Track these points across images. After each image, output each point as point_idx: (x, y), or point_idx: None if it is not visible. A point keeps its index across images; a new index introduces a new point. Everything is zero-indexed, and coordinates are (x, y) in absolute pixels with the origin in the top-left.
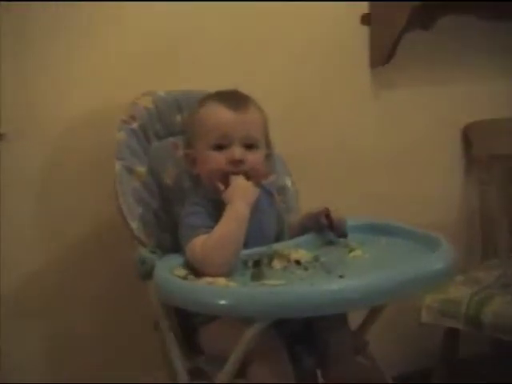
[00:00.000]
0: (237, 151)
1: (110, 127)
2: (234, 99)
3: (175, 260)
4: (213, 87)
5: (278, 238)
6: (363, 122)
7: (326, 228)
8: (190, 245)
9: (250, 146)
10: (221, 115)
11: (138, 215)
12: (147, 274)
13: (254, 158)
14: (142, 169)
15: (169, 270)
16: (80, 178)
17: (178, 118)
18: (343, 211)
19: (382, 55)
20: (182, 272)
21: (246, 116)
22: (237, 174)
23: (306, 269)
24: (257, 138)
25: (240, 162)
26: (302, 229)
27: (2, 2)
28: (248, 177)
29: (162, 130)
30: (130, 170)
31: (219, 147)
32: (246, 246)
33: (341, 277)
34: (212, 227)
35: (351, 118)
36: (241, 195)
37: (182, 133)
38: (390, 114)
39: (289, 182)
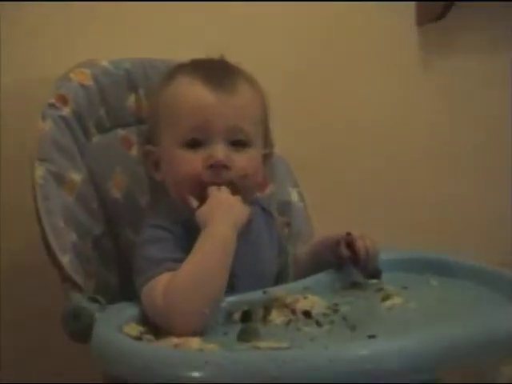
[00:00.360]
0: (219, 151)
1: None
2: (217, 73)
3: (125, 311)
4: (186, 56)
5: (279, 278)
6: (405, 101)
7: (348, 263)
8: (146, 288)
9: (238, 144)
10: (196, 96)
11: (71, 245)
12: (83, 334)
13: (244, 161)
14: (76, 176)
15: (116, 328)
16: None
17: (131, 99)
18: (376, 238)
19: (434, 8)
20: (135, 329)
21: (233, 98)
22: (218, 184)
23: (319, 324)
24: (249, 132)
25: (223, 166)
26: (314, 263)
27: None
28: (235, 189)
29: (106, 119)
30: (59, 178)
31: (194, 144)
32: (230, 289)
33: (371, 337)
34: (181, 261)
35: (387, 96)
36: (223, 214)
37: (139, 121)
38: (444, 88)
39: (295, 196)
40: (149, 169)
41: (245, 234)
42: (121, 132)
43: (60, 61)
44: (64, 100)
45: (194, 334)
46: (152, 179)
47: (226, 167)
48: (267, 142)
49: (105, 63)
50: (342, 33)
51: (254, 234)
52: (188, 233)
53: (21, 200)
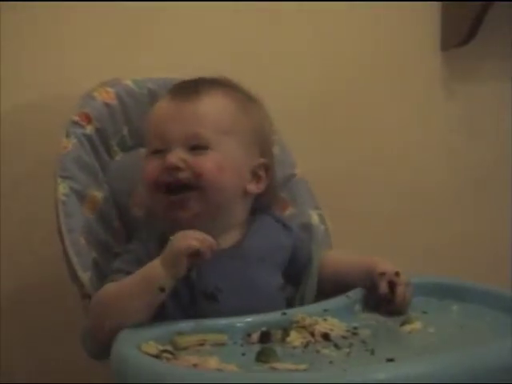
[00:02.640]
0: (172, 155)
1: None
2: (189, 87)
3: (144, 329)
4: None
5: (296, 289)
6: (428, 127)
7: (381, 298)
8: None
9: (197, 148)
10: (158, 108)
11: (92, 263)
12: (102, 351)
13: (200, 162)
14: (98, 194)
15: (135, 346)
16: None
17: None
18: (398, 263)
19: (459, 33)
20: (154, 348)
21: (192, 106)
22: (173, 184)
23: (337, 347)
24: (209, 138)
25: (175, 168)
26: (343, 281)
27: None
28: (197, 189)
29: (129, 138)
30: (81, 196)
31: (156, 152)
32: (213, 300)
33: (390, 360)
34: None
35: (410, 121)
36: (166, 253)
37: None
38: (468, 114)
39: (315, 218)
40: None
41: (233, 249)
42: (143, 151)
43: (84, 78)
44: (88, 118)
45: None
46: None
47: (177, 168)
48: (266, 153)
49: (129, 82)
50: (366, 56)
51: (244, 250)
52: (161, 245)
53: (42, 215)
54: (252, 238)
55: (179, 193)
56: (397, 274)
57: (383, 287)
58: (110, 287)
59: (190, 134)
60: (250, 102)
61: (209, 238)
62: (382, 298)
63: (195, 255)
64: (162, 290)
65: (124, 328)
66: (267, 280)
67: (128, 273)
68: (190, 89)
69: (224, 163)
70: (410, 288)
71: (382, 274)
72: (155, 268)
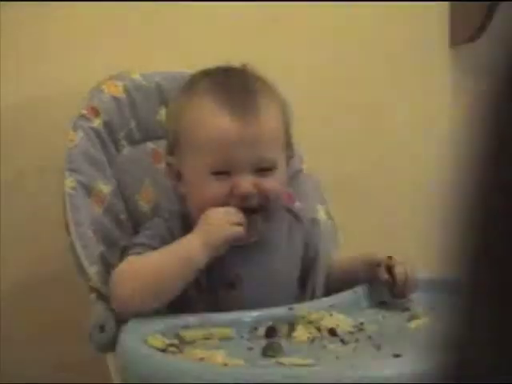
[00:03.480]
0: (245, 183)
1: (63, 122)
2: (240, 93)
3: (151, 323)
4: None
5: (306, 283)
6: (437, 124)
7: (384, 286)
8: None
9: (263, 170)
10: (221, 128)
11: (99, 256)
12: (108, 344)
13: (269, 186)
14: (105, 187)
15: (141, 339)
16: (10, 194)
17: (162, 113)
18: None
19: (468, 29)
20: (161, 341)
21: (258, 126)
22: (247, 209)
23: (344, 342)
24: (274, 158)
25: (250, 196)
26: (344, 278)
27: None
28: (263, 211)
29: (137, 131)
30: (89, 189)
31: (218, 173)
32: (231, 288)
33: (396, 356)
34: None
35: (418, 118)
36: (205, 229)
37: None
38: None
39: (322, 213)
40: (171, 179)
41: (261, 241)
42: (150, 145)
43: (92, 72)
44: (95, 112)
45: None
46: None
47: (251, 196)
48: (289, 145)
49: (137, 76)
50: (374, 53)
51: (267, 241)
52: (187, 231)
53: (48, 209)
54: (270, 231)
55: (247, 215)
56: (389, 257)
57: (382, 273)
58: (139, 261)
59: (257, 159)
60: (283, 101)
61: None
62: (386, 285)
63: (237, 239)
64: (199, 269)
65: (157, 305)
66: (285, 270)
67: (152, 247)
68: (247, 104)
69: (284, 179)
70: (408, 266)
71: (378, 264)
72: (195, 248)
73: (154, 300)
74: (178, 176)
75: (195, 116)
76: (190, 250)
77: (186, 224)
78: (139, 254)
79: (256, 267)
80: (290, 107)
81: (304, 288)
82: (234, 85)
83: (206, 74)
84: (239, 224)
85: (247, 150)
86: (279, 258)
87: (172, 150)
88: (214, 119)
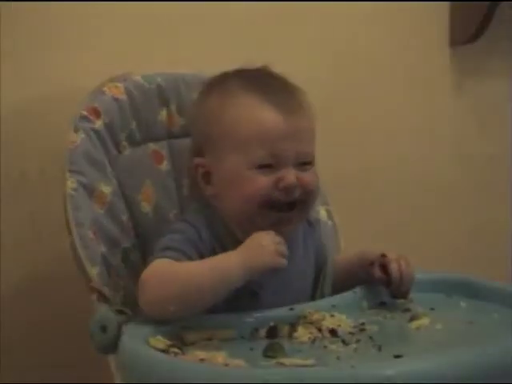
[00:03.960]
0: (291, 176)
1: (62, 124)
2: (278, 90)
3: (152, 324)
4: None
5: (315, 289)
6: (437, 124)
7: (380, 284)
8: (149, 266)
9: (305, 164)
10: (266, 122)
11: (100, 257)
12: (110, 346)
13: (309, 178)
14: (106, 188)
15: (142, 340)
16: (12, 195)
17: (163, 114)
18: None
19: (468, 30)
20: (162, 342)
21: (299, 121)
22: (281, 203)
23: (345, 343)
24: (312, 153)
25: (294, 188)
26: (345, 278)
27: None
28: (300, 206)
29: (138, 133)
30: (90, 190)
31: (264, 167)
32: (254, 299)
33: (397, 356)
34: (189, 257)
35: (419, 117)
36: (246, 253)
37: (170, 136)
38: (476, 111)
39: (323, 214)
40: (200, 181)
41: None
42: (152, 146)
43: (94, 73)
44: (97, 113)
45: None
46: (185, 191)
47: (295, 188)
48: None
49: (138, 77)
50: (375, 53)
51: (294, 246)
52: (215, 237)
53: (50, 210)
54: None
55: (289, 210)
56: (382, 255)
57: (377, 273)
58: (177, 267)
59: (302, 153)
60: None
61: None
62: (382, 284)
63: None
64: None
65: (187, 314)
66: (301, 277)
67: (183, 252)
68: (291, 101)
69: (317, 175)
70: (403, 262)
71: (371, 262)
72: (234, 267)
73: (182, 309)
74: (205, 177)
75: (234, 112)
76: (228, 268)
77: (214, 227)
78: (173, 258)
79: (276, 276)
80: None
81: (314, 292)
82: (271, 84)
83: (234, 74)
84: (283, 255)
85: (292, 144)
86: (297, 264)
87: (202, 151)
88: (260, 114)
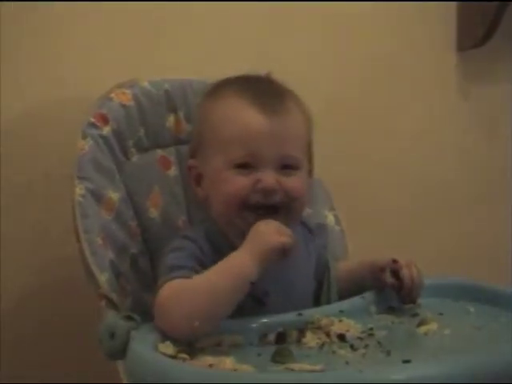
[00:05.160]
0: (269, 178)
1: (67, 130)
2: (268, 96)
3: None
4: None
5: (319, 297)
6: (443, 128)
7: (391, 290)
8: (161, 290)
9: (288, 168)
10: (250, 123)
11: (109, 264)
12: (119, 351)
13: (291, 183)
14: (114, 195)
15: (151, 346)
16: (20, 202)
17: (171, 120)
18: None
19: (475, 34)
20: (171, 348)
21: (285, 124)
22: (266, 207)
23: (353, 348)
24: (298, 157)
25: (273, 191)
26: (352, 284)
27: None
28: (284, 210)
29: (146, 139)
30: (98, 197)
31: (244, 167)
32: (261, 305)
33: (406, 361)
34: (198, 271)
35: (425, 121)
36: (253, 245)
37: (177, 142)
38: (483, 115)
39: (331, 219)
40: (192, 183)
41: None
42: (159, 152)
43: (101, 79)
44: (104, 119)
45: (178, 337)
46: (192, 197)
47: (274, 191)
48: (310, 159)
49: (145, 84)
50: (381, 57)
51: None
52: (215, 250)
53: (57, 216)
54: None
55: (268, 214)
56: (394, 261)
57: (388, 278)
58: (189, 282)
59: (284, 156)
60: (308, 114)
61: (292, 234)
62: (393, 289)
63: (284, 251)
64: (252, 283)
65: (213, 326)
66: (304, 284)
67: (189, 268)
68: (277, 99)
69: (306, 184)
70: (414, 267)
71: (382, 268)
72: (246, 264)
73: (211, 322)
74: (198, 179)
75: (222, 113)
76: (241, 266)
77: (214, 240)
78: (183, 276)
79: (281, 283)
80: (313, 123)
81: (318, 300)
82: (262, 88)
83: (232, 79)
84: (286, 234)
85: (273, 145)
86: (299, 272)
87: (195, 152)
88: (241, 113)
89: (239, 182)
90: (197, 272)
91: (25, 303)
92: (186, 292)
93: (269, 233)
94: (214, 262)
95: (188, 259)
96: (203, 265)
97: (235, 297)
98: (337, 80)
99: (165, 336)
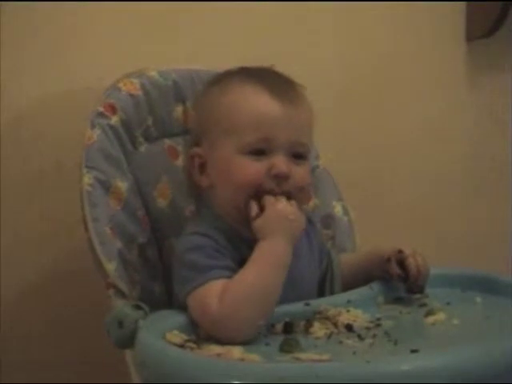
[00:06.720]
0: (282, 162)
1: (78, 120)
2: (279, 81)
3: (168, 319)
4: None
5: (323, 288)
6: (452, 119)
7: (397, 280)
8: (196, 295)
9: (298, 156)
10: (264, 108)
11: (117, 253)
12: (127, 340)
13: (302, 172)
14: (123, 184)
15: (159, 335)
16: (30, 192)
17: (179, 110)
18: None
19: (484, 24)
20: (178, 337)
21: (298, 111)
22: (276, 193)
23: (360, 338)
24: (307, 145)
25: (285, 177)
26: (359, 275)
27: None
28: (290, 199)
29: (154, 128)
30: (106, 186)
31: (256, 153)
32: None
33: (413, 351)
34: (231, 269)
35: (434, 112)
36: (281, 228)
37: (185, 132)
38: (492, 105)
39: (339, 210)
40: (194, 172)
41: None
42: (167, 142)
43: (108, 70)
44: (113, 109)
45: (239, 341)
46: (196, 186)
47: (287, 178)
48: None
49: (153, 73)
50: (391, 47)
51: (294, 247)
52: (233, 241)
53: (66, 206)
54: None
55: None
56: (399, 251)
57: (394, 268)
58: (239, 283)
59: (296, 143)
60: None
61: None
62: (400, 279)
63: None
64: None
65: (270, 312)
66: (308, 276)
67: (221, 267)
68: (289, 90)
69: (309, 174)
70: (419, 257)
71: (388, 259)
72: (287, 252)
73: (269, 316)
74: (201, 168)
75: (233, 99)
76: (283, 254)
77: (221, 228)
78: (222, 276)
79: (287, 275)
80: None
81: (322, 290)
82: (272, 76)
83: (239, 69)
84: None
85: (286, 130)
86: (303, 263)
87: (199, 141)
88: (257, 99)
89: (253, 168)
90: (230, 269)
91: (34, 295)
92: (244, 294)
93: (292, 215)
94: (229, 251)
95: (211, 258)
96: (225, 254)
97: (281, 286)
98: (346, 70)
99: (173, 325)
